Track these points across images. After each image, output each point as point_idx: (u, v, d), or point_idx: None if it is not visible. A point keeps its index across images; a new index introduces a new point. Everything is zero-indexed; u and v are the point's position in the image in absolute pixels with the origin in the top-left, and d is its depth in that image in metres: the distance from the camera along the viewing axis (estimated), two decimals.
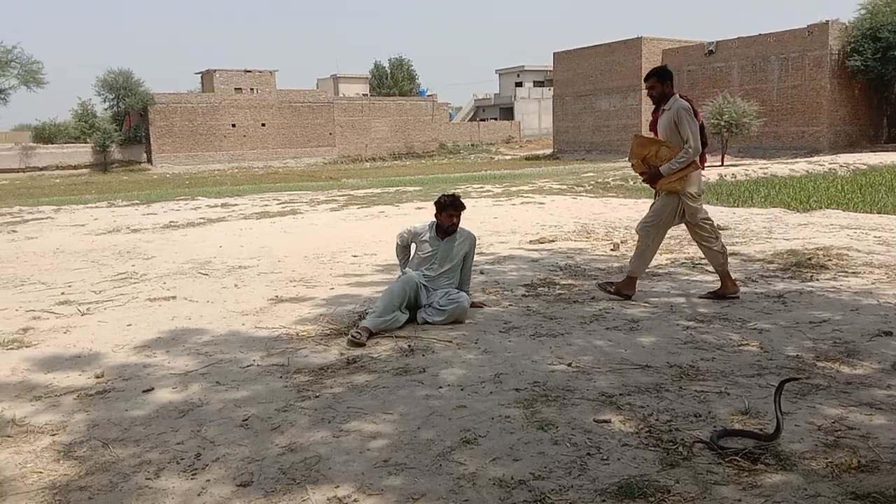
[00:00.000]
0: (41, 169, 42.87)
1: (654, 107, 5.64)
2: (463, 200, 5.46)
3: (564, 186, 17.31)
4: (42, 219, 13.71)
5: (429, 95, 61.19)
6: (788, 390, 3.50)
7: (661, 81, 5.53)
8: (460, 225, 5.49)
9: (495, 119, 64.71)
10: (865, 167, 21.40)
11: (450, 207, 5.34)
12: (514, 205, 13.42)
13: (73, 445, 3.20)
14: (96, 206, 16.09)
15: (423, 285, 5.20)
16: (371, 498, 2.63)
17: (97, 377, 4.13)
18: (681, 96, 5.51)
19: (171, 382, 4.00)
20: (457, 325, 5.01)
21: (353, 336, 4.61)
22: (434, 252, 5.37)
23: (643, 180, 5.77)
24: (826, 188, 14.97)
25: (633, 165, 5.74)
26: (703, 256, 7.37)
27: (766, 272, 6.53)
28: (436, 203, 5.46)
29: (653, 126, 5.67)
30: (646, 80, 5.62)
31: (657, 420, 3.24)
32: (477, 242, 5.67)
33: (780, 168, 21.92)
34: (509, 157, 48.99)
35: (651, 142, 5.61)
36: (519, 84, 65.92)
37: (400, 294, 5.00)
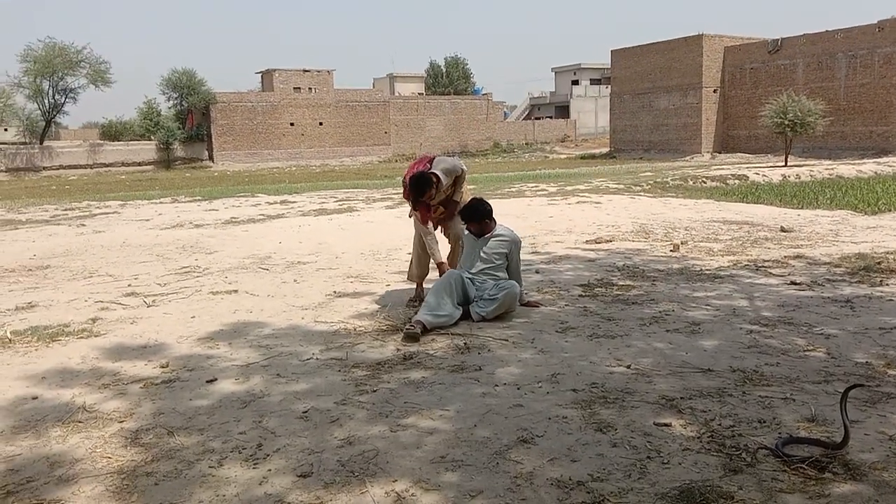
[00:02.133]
0: (108, 165, 44.35)
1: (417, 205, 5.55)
2: (486, 205, 5.48)
3: (622, 186, 17.08)
4: (109, 213, 14.18)
5: (483, 94, 61.11)
6: (857, 398, 3.39)
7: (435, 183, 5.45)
8: (502, 224, 5.54)
9: (550, 117, 64.26)
10: None
11: (474, 220, 5.41)
12: (569, 204, 13.30)
13: (139, 432, 3.30)
14: (160, 202, 16.56)
15: (470, 279, 5.25)
16: (429, 493, 2.64)
17: (162, 367, 4.26)
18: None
19: (234, 374, 4.09)
20: (512, 324, 5.00)
21: (407, 329, 4.66)
22: (472, 250, 5.43)
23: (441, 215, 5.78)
24: None
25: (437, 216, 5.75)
26: (766, 258, 7.21)
27: (833, 276, 6.33)
28: (462, 217, 5.54)
29: (424, 216, 5.63)
30: (425, 192, 5.43)
31: (720, 425, 3.17)
32: (521, 245, 5.64)
33: (847, 169, 21.21)
34: (564, 156, 48.59)
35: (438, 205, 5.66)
36: (575, 82, 65.32)
37: (445, 287, 5.04)
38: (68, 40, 46.39)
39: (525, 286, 6.13)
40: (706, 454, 2.89)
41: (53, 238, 10.59)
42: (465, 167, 5.78)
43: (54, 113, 46.84)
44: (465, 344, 4.55)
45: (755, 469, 2.75)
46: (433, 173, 5.44)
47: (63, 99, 46.25)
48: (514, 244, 5.47)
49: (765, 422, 3.20)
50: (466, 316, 5.12)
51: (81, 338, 4.97)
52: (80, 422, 3.45)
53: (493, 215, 5.52)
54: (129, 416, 3.51)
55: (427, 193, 5.42)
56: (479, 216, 5.40)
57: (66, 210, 15.16)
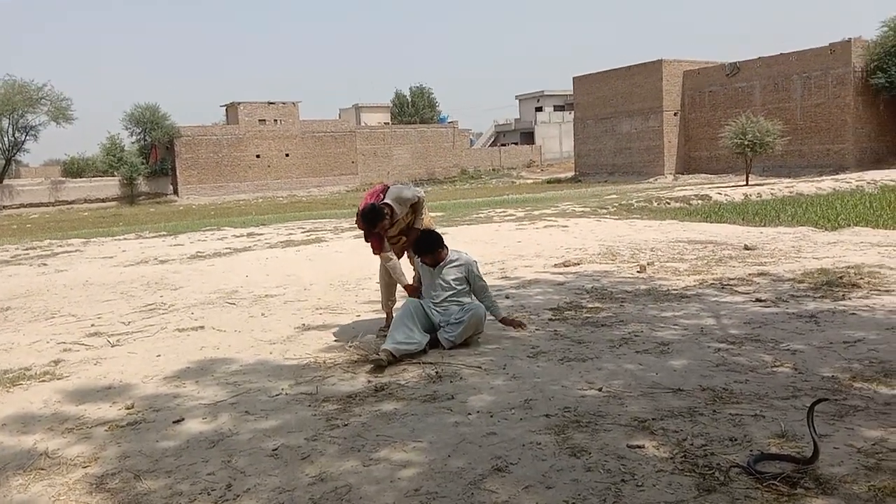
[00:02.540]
0: (70, 202, 43.68)
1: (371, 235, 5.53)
2: (435, 235, 5.46)
3: (588, 209, 17.26)
4: (71, 251, 13.92)
5: (449, 122, 61.55)
6: (825, 412, 3.43)
7: (387, 213, 5.41)
8: (456, 250, 5.54)
9: (516, 144, 64.89)
10: (894, 183, 21.10)
11: (427, 253, 5.38)
12: (537, 228, 13.39)
13: (104, 478, 3.21)
14: (124, 238, 16.31)
15: (430, 306, 5.25)
16: None
17: (128, 409, 4.16)
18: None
19: (201, 413, 4.01)
20: (484, 350, 4.99)
21: (373, 358, 4.66)
22: (431, 280, 5.42)
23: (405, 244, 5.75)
24: (854, 205, 14.79)
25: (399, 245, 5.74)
26: (731, 276, 7.31)
27: (797, 292, 6.43)
28: (415, 251, 5.53)
29: (379, 245, 5.57)
30: (377, 224, 5.37)
31: (692, 445, 3.18)
32: (477, 263, 5.58)
33: (807, 186, 21.70)
34: (531, 181, 49.01)
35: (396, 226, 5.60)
36: (539, 109, 66.12)
37: (407, 316, 5.04)
38: (28, 78, 45.76)
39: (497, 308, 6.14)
40: (680, 475, 2.89)
41: (14, 279, 10.36)
42: (422, 194, 5.67)
43: (14, 151, 46.14)
44: (436, 373, 4.52)
45: (728, 487, 2.76)
46: (385, 204, 5.40)
47: (24, 136, 45.67)
48: (468, 265, 5.44)
49: (736, 439, 3.22)
50: (436, 344, 5.10)
51: (43, 381, 4.84)
52: (42, 469, 3.35)
53: (444, 243, 5.48)
54: (93, 461, 3.41)
55: (379, 225, 5.36)
56: (431, 248, 5.37)
57: (26, 249, 14.86)
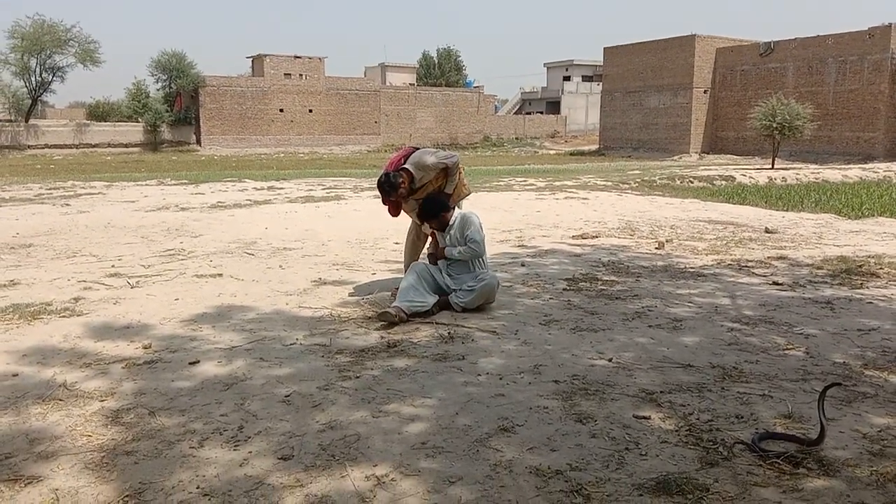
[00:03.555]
0: (94, 146, 43.89)
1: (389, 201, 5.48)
2: (439, 199, 5.42)
3: (609, 183, 17.15)
4: (94, 194, 14.07)
5: (475, 87, 60.98)
6: (834, 396, 3.44)
7: (403, 180, 5.33)
8: (456, 211, 5.51)
9: (541, 113, 64.25)
10: None
11: (431, 218, 5.38)
12: (557, 199, 13.34)
13: (120, 412, 3.30)
14: (146, 184, 16.45)
15: (439, 269, 5.31)
16: (408, 478, 2.66)
17: (145, 348, 4.24)
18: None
19: (217, 356, 4.09)
20: (496, 315, 5.03)
21: (382, 312, 4.74)
22: (443, 245, 5.44)
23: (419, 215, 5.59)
24: (880, 196, 14.59)
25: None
26: (750, 258, 7.27)
27: (815, 277, 6.39)
28: (419, 216, 5.52)
29: (395, 210, 5.56)
30: (392, 193, 5.34)
31: (698, 419, 3.21)
32: (471, 217, 5.43)
33: (833, 173, 21.40)
34: (553, 152, 48.66)
35: (424, 190, 5.50)
36: (567, 78, 65.31)
37: (416, 277, 5.11)
38: (57, 18, 45.64)
39: (511, 278, 6.18)
40: (683, 447, 2.92)
41: (37, 217, 10.50)
42: (454, 160, 5.54)
43: (41, 91, 46.26)
44: (449, 334, 4.57)
45: (731, 463, 2.79)
46: (404, 170, 5.36)
47: (50, 77, 45.67)
48: (462, 218, 5.39)
49: (742, 417, 3.25)
50: (446, 306, 5.15)
51: (64, 317, 4.94)
52: (60, 400, 3.44)
53: (448, 206, 5.43)
54: (110, 396, 3.50)
55: (393, 195, 5.34)
56: (435, 212, 5.37)
57: (50, 189, 15.04)
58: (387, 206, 5.61)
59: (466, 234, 5.34)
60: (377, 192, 5.65)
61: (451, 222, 5.41)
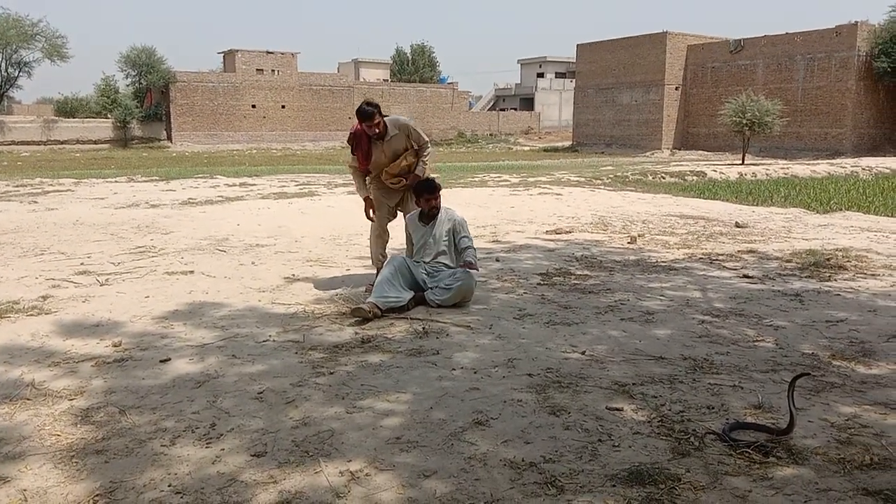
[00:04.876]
0: (62, 142, 43.16)
1: (362, 140, 5.53)
2: (440, 184, 5.51)
3: (582, 179, 17.25)
4: (62, 191, 13.84)
5: (449, 83, 60.94)
6: (803, 386, 3.50)
7: (381, 115, 5.45)
8: (447, 207, 5.54)
9: (515, 109, 64.42)
10: (888, 171, 21.17)
11: (426, 192, 5.39)
12: (531, 195, 13.39)
13: (90, 410, 3.25)
14: (116, 181, 16.21)
15: (416, 262, 5.32)
16: (383, 473, 2.65)
17: (115, 346, 4.19)
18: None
19: (188, 354, 4.04)
20: (471, 310, 5.03)
21: (358, 307, 4.72)
22: (423, 239, 5.43)
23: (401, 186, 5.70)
24: (847, 190, 14.85)
25: (398, 187, 5.69)
26: (720, 252, 7.36)
27: (784, 270, 6.49)
28: (413, 190, 5.51)
29: (365, 155, 5.57)
30: (368, 118, 5.39)
31: (669, 410, 3.24)
32: (464, 222, 5.57)
33: (802, 169, 21.73)
34: (527, 149, 48.80)
35: (397, 164, 5.58)
36: (540, 75, 65.55)
37: (392, 272, 5.09)
38: (23, 12, 44.69)
39: (485, 273, 6.19)
40: (656, 438, 2.95)
41: (3, 214, 10.31)
42: (426, 138, 5.72)
43: (7, 87, 45.32)
44: (423, 329, 4.56)
45: (702, 453, 2.82)
46: (380, 114, 5.43)
47: (17, 72, 44.77)
48: (455, 221, 5.47)
49: (713, 408, 3.29)
50: (422, 301, 5.14)
51: (31, 315, 4.86)
52: (28, 399, 3.38)
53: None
54: (79, 394, 3.45)
55: (372, 122, 5.36)
56: (432, 189, 5.39)
57: (17, 186, 14.76)
58: (357, 156, 5.59)
59: (461, 237, 5.42)
60: (352, 188, 5.64)
61: (439, 215, 5.41)
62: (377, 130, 5.42)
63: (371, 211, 5.69)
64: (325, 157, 35.35)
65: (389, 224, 5.87)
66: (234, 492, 2.52)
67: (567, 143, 48.29)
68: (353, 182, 5.89)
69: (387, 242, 5.88)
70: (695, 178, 19.19)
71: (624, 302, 5.28)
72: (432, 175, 5.84)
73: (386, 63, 65.66)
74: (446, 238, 5.41)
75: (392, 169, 5.57)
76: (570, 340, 4.32)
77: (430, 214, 5.42)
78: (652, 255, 7.20)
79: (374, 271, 5.91)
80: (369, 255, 6.06)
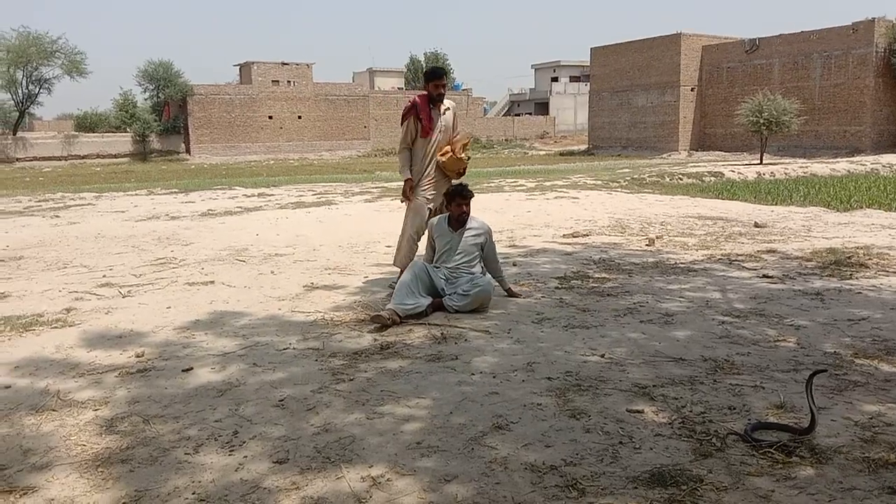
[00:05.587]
0: (82, 157, 43.72)
1: (423, 106, 5.78)
2: (472, 190, 5.57)
3: (599, 182, 17.20)
4: (84, 205, 14.02)
5: (464, 90, 61.00)
6: (825, 385, 3.47)
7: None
8: (472, 215, 5.56)
9: (530, 114, 64.36)
10: None
11: (458, 197, 5.43)
12: (547, 199, 13.38)
13: (114, 420, 3.29)
14: (136, 194, 16.40)
15: (436, 268, 5.36)
16: (404, 478, 2.67)
17: (138, 356, 4.24)
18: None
19: (210, 363, 4.08)
20: (489, 315, 5.04)
21: (377, 315, 4.73)
22: (449, 244, 5.44)
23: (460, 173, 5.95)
24: (867, 188, 14.68)
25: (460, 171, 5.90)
26: (740, 253, 7.31)
27: (805, 269, 6.44)
28: (445, 194, 5.55)
29: (428, 121, 5.77)
30: (440, 77, 5.80)
31: (691, 412, 3.23)
32: (493, 234, 5.68)
33: (821, 167, 21.53)
34: (543, 153, 48.73)
35: (461, 146, 5.84)
36: (555, 79, 65.46)
37: (411, 280, 5.11)
38: (43, 30, 45.44)
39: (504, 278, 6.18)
40: (677, 439, 2.94)
41: (27, 229, 10.46)
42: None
43: (28, 103, 46.07)
44: (442, 334, 4.57)
45: (724, 453, 2.81)
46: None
47: (37, 89, 45.51)
48: (487, 234, 5.54)
49: (735, 408, 3.27)
50: (440, 307, 5.16)
51: (55, 327, 4.93)
52: (54, 410, 3.43)
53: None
54: (103, 405, 3.49)
55: (443, 81, 5.76)
56: (465, 194, 5.44)
57: (39, 201, 14.97)
58: (420, 124, 5.76)
59: (487, 248, 5.51)
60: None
61: (468, 222, 5.46)
62: (442, 91, 5.76)
63: (410, 191, 5.83)
64: (342, 167, 35.52)
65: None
66: (257, 498, 2.55)
67: (583, 147, 48.18)
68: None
69: (416, 251, 5.90)
70: (712, 178, 19.07)
71: (643, 304, 5.26)
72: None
73: (400, 71, 65.90)
74: (474, 245, 5.42)
75: (440, 149, 5.81)
76: (589, 343, 4.32)
77: (459, 220, 5.44)
78: (670, 257, 7.17)
79: (398, 271, 5.91)
80: (389, 261, 6.09)
